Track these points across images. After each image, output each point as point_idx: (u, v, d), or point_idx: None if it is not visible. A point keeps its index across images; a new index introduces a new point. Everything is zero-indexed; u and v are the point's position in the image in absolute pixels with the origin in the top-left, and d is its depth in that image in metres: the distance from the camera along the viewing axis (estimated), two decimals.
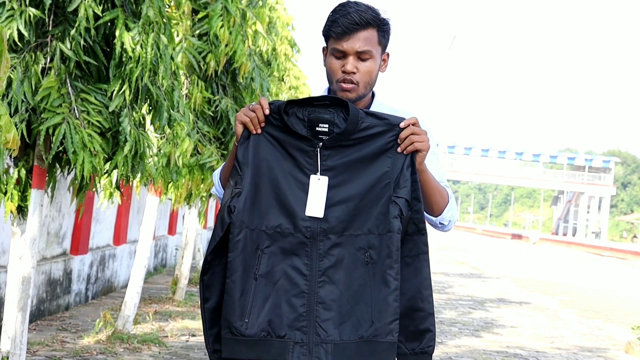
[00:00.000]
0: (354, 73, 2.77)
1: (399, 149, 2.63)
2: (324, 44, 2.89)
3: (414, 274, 2.62)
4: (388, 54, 2.90)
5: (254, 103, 2.68)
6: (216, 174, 2.90)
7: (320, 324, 2.56)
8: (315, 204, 2.59)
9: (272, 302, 2.58)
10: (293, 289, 2.58)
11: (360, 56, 2.77)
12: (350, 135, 2.60)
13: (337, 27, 2.76)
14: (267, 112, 2.63)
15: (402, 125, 2.63)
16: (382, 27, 2.81)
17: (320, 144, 2.60)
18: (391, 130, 2.63)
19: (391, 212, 2.57)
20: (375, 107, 2.91)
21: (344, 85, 2.79)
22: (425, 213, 2.78)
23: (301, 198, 2.59)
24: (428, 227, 2.74)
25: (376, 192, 2.59)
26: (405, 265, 2.62)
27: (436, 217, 2.83)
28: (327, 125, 2.61)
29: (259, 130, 2.64)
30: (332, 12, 2.82)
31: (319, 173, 2.60)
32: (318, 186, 2.59)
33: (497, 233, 76.62)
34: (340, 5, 2.83)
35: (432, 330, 2.65)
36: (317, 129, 2.61)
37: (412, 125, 2.64)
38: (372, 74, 2.80)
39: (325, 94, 2.93)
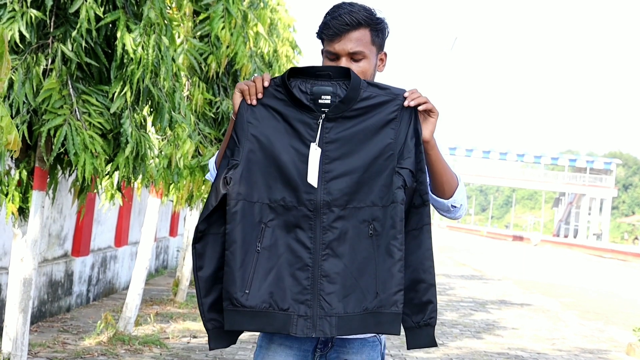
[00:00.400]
0: None
1: (412, 103, 2.61)
2: (322, 47, 2.89)
3: (417, 246, 2.62)
4: (385, 54, 2.88)
5: (256, 75, 2.67)
6: (212, 159, 2.88)
7: (325, 297, 2.55)
8: (311, 173, 2.57)
9: (275, 274, 2.56)
10: (297, 262, 2.57)
11: (353, 57, 2.75)
12: (352, 104, 2.59)
13: (329, 30, 2.76)
14: (266, 84, 2.62)
15: (406, 95, 2.62)
16: (375, 27, 2.78)
17: (323, 115, 2.59)
18: (393, 100, 2.62)
19: (395, 183, 2.56)
20: None
21: None
22: (435, 197, 2.78)
23: (304, 171, 2.57)
24: (433, 223, 2.72)
25: (379, 164, 2.58)
26: (412, 239, 2.62)
27: (447, 199, 2.79)
28: (329, 97, 2.60)
29: (254, 101, 2.62)
30: (326, 14, 2.81)
31: (316, 143, 2.58)
32: (313, 156, 2.58)
33: (502, 235, 76.44)
34: (334, 6, 2.82)
35: (433, 302, 2.64)
36: (319, 101, 2.60)
37: (414, 97, 2.64)
38: (366, 74, 2.78)
39: None
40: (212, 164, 2.88)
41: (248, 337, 8.60)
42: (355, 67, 2.76)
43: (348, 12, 2.74)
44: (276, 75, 2.71)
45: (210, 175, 2.90)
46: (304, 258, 2.57)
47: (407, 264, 2.60)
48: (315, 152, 2.57)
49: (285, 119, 2.61)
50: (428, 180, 2.72)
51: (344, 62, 2.75)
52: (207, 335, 2.67)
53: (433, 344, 2.67)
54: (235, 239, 2.56)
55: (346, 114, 2.59)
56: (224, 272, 2.59)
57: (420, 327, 2.63)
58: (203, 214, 2.62)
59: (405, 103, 2.62)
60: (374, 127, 2.60)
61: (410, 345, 2.66)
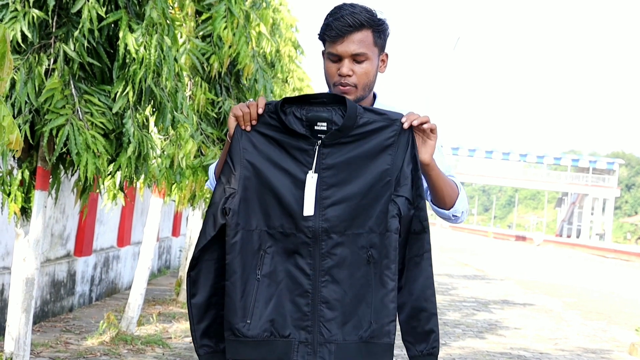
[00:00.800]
0: (349, 76, 2.74)
1: (414, 122, 2.60)
2: (323, 48, 2.88)
3: (419, 274, 2.62)
4: (387, 55, 2.87)
5: (251, 100, 2.67)
6: (212, 167, 2.88)
7: (325, 324, 2.55)
8: (308, 201, 2.56)
9: (276, 302, 2.57)
10: (297, 288, 2.57)
11: (356, 58, 2.75)
12: (349, 131, 2.58)
13: (331, 31, 2.74)
14: (260, 111, 2.60)
15: (405, 126, 2.61)
16: (377, 28, 2.78)
17: (319, 142, 2.58)
18: (391, 125, 2.61)
19: (390, 211, 2.56)
20: None
21: (341, 88, 2.77)
22: (437, 208, 2.81)
23: (302, 197, 2.57)
24: (436, 223, 2.72)
25: (377, 190, 2.57)
26: (414, 266, 2.62)
27: (449, 210, 2.81)
28: (325, 124, 2.59)
29: (248, 128, 2.61)
30: (327, 15, 2.80)
31: (312, 170, 2.57)
32: (310, 183, 2.57)
33: (510, 236, 76.23)
34: (335, 8, 2.81)
35: (435, 331, 2.64)
36: (315, 127, 2.59)
37: (413, 120, 2.63)
38: (369, 76, 2.78)
39: None
40: (211, 171, 2.88)
41: None
42: (358, 69, 2.75)
43: (350, 14, 2.73)
44: (273, 99, 2.67)
45: (210, 184, 2.90)
46: (304, 284, 2.57)
47: (409, 292, 2.61)
48: (311, 179, 2.57)
49: (281, 145, 2.60)
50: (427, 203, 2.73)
51: (346, 64, 2.74)
52: None
53: None
54: (235, 269, 2.57)
55: (343, 140, 2.58)
56: (224, 302, 2.59)
57: (424, 355, 2.64)
58: (199, 243, 2.62)
59: (405, 125, 2.61)
60: (371, 153, 2.59)
61: None
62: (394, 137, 2.60)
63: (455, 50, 44.00)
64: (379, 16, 2.79)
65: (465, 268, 23.76)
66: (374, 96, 2.93)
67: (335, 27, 2.73)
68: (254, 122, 2.62)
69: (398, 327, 2.61)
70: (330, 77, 2.80)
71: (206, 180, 7.83)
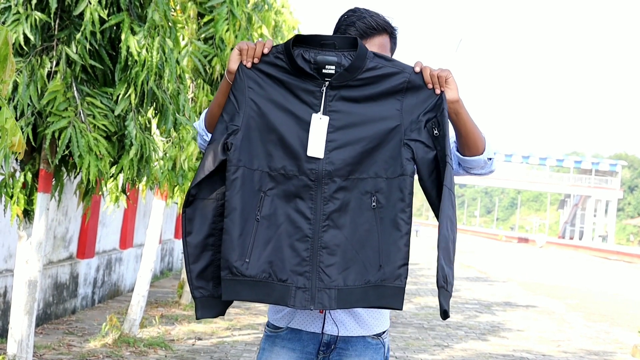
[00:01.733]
0: None
1: (437, 91, 2.57)
2: None
3: (444, 203, 2.55)
4: None
5: (260, 39, 2.63)
6: (201, 119, 2.81)
7: (324, 269, 2.51)
8: (316, 143, 2.52)
9: (274, 245, 2.51)
10: (296, 232, 2.52)
11: None
12: (357, 73, 2.54)
13: (354, 31, 2.75)
14: (266, 50, 2.56)
15: (416, 69, 2.57)
16: (393, 34, 2.82)
17: (327, 83, 2.54)
18: (400, 73, 2.57)
19: (403, 155, 2.52)
20: None
21: None
22: (468, 158, 2.74)
23: (306, 139, 2.52)
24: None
25: (384, 135, 2.54)
26: (444, 196, 2.53)
27: (481, 154, 2.74)
28: (333, 67, 2.54)
29: (249, 64, 2.56)
30: (344, 16, 2.81)
31: (321, 112, 2.53)
32: (319, 125, 2.53)
33: (520, 239, 76.02)
34: (350, 10, 2.82)
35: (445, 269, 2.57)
36: (323, 71, 2.54)
37: (422, 67, 2.60)
38: None
39: None
40: (201, 124, 2.80)
41: (253, 339, 8.61)
42: None
43: (371, 16, 2.76)
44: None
45: (200, 137, 2.82)
46: (304, 229, 2.52)
47: (440, 219, 2.53)
48: (320, 122, 2.53)
49: (287, 87, 2.56)
50: (452, 145, 2.68)
51: None
52: (194, 305, 2.61)
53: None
54: (235, 206, 2.50)
55: (350, 83, 2.54)
56: (222, 241, 2.52)
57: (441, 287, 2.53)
58: (197, 177, 2.55)
59: (417, 69, 2.57)
60: (378, 97, 2.55)
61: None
62: (404, 83, 2.56)
63: (458, 52, 44.01)
64: (392, 23, 2.83)
65: (468, 270, 23.75)
66: None
67: (360, 27, 2.75)
68: (256, 60, 2.57)
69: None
70: None
71: None
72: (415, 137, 2.54)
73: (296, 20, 13.35)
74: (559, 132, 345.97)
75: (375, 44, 2.76)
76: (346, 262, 2.52)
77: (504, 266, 27.97)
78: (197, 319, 2.61)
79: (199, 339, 8.45)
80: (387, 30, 2.78)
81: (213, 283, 2.57)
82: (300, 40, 2.57)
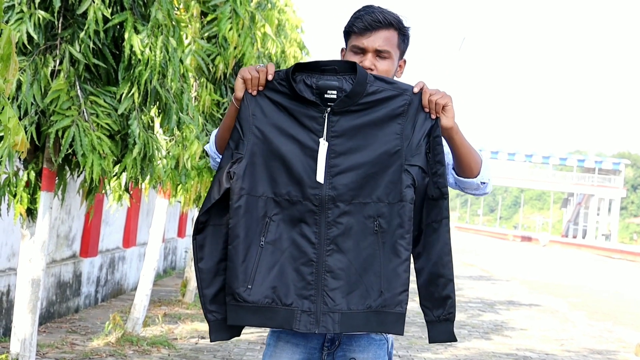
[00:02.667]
0: (371, 70, 2.78)
1: (432, 116, 2.61)
2: (343, 45, 2.91)
3: (436, 240, 2.61)
4: (405, 61, 2.93)
5: (261, 65, 2.66)
6: (214, 132, 2.86)
7: (328, 293, 2.55)
8: (318, 169, 2.56)
9: (279, 269, 2.56)
10: (301, 257, 2.57)
11: (379, 54, 2.80)
12: (358, 98, 2.58)
13: (360, 23, 2.79)
14: (269, 77, 2.61)
15: (415, 90, 2.62)
16: (402, 31, 2.85)
17: (329, 109, 2.58)
18: (401, 95, 2.60)
19: (404, 181, 2.55)
20: None
21: None
22: (462, 179, 2.79)
23: (310, 165, 2.57)
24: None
25: (386, 160, 2.57)
26: (432, 232, 2.61)
27: (475, 177, 2.79)
28: (335, 92, 2.58)
29: (255, 92, 2.61)
30: (356, 11, 2.87)
31: (323, 138, 2.57)
32: (320, 151, 2.57)
33: (523, 237, 75.84)
34: (364, 6, 2.88)
35: (452, 297, 2.64)
36: (325, 96, 2.59)
37: (422, 88, 2.64)
38: (389, 74, 2.81)
39: None
40: (212, 147, 2.85)
41: (256, 337, 8.61)
42: (380, 65, 2.79)
43: (381, 12, 2.81)
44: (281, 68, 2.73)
45: (209, 147, 2.87)
46: (309, 253, 2.56)
47: (427, 258, 2.61)
48: (323, 147, 2.56)
49: (291, 113, 2.60)
50: (449, 170, 2.73)
51: (369, 58, 2.79)
52: (209, 328, 2.66)
53: (453, 338, 2.66)
54: (238, 233, 2.55)
55: (352, 108, 2.58)
56: (226, 267, 2.58)
57: (440, 321, 2.63)
58: (204, 205, 2.61)
59: (415, 89, 2.62)
60: (380, 122, 2.59)
61: (432, 339, 2.66)
62: (404, 106, 2.60)
63: (461, 50, 44.00)
64: (405, 22, 2.86)
65: (471, 269, 23.74)
66: None
67: (366, 20, 2.79)
68: (261, 88, 2.62)
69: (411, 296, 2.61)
70: None
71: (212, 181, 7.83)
72: (415, 162, 2.57)
73: (299, 19, 13.35)
74: (562, 130, 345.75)
75: (380, 37, 2.79)
76: (350, 285, 2.56)
77: (507, 265, 27.95)
78: (211, 341, 2.66)
79: (202, 337, 8.46)
80: (394, 25, 2.82)
81: (226, 307, 2.62)
82: (301, 67, 2.61)
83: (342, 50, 2.92)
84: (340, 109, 2.58)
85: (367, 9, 2.83)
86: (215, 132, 2.85)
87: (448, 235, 2.64)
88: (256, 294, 2.55)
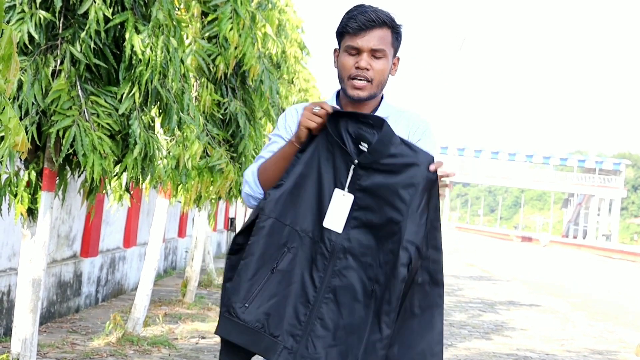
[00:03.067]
0: (367, 70, 2.79)
1: (439, 172, 2.63)
2: (336, 46, 2.92)
3: (426, 328, 2.58)
4: (398, 58, 2.94)
5: (316, 108, 2.66)
6: (253, 172, 2.84)
7: (313, 339, 2.56)
8: (336, 218, 2.59)
9: (279, 300, 2.58)
10: (302, 295, 2.59)
11: (375, 54, 2.81)
12: (381, 157, 2.59)
13: (354, 23, 2.80)
14: (330, 110, 2.66)
15: (431, 168, 2.62)
16: (395, 29, 2.86)
17: (356, 161, 2.62)
18: (418, 166, 2.60)
19: (401, 258, 2.54)
20: (382, 109, 2.92)
21: (355, 82, 2.81)
22: None
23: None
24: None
25: (391, 227, 2.58)
26: (412, 316, 2.59)
27: None
28: (366, 145, 2.62)
29: (316, 132, 2.67)
30: (348, 11, 2.88)
31: (346, 189, 2.61)
32: (342, 202, 2.60)
33: (524, 238, 75.76)
34: (356, 6, 2.89)
35: None
36: (359, 146, 2.62)
37: (439, 168, 2.65)
38: (384, 74, 2.83)
39: (334, 97, 2.95)
40: (255, 185, 2.82)
41: None
42: (375, 64, 2.81)
43: (373, 11, 2.82)
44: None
45: (250, 197, 2.84)
46: (309, 294, 2.59)
47: (409, 344, 2.57)
48: (344, 198, 2.60)
49: (332, 155, 2.65)
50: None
51: (365, 57, 2.79)
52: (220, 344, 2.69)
53: None
54: (254, 251, 2.58)
55: (375, 166, 2.60)
56: (231, 278, 2.61)
57: None
58: (242, 226, 2.66)
59: (431, 168, 2.61)
60: (395, 187, 2.60)
61: None
62: (419, 179, 2.60)
63: (462, 50, 43.99)
64: (397, 20, 2.88)
65: (471, 269, 23.74)
66: (381, 97, 2.95)
67: (359, 20, 2.80)
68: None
69: None
70: (346, 70, 2.83)
71: (211, 181, 7.82)
72: (413, 240, 2.56)
73: (300, 19, 13.36)
74: (562, 131, 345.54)
75: (375, 37, 2.80)
76: (334, 339, 2.56)
77: (508, 265, 27.95)
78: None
79: (203, 337, 8.46)
80: (387, 24, 2.83)
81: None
82: (341, 114, 2.66)
83: (335, 51, 2.92)
84: (366, 164, 2.61)
85: (360, 9, 2.83)
86: (256, 168, 2.83)
87: (441, 325, 2.60)
88: (250, 315, 2.57)
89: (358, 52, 2.80)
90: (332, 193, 2.61)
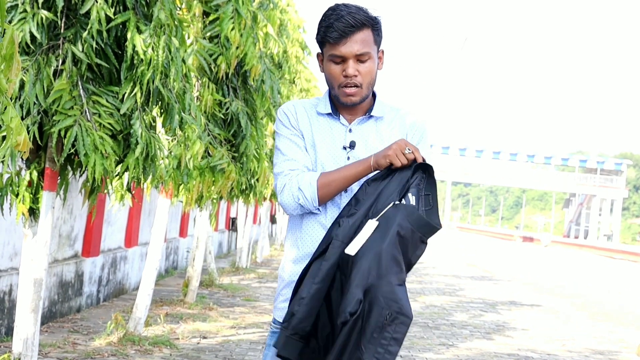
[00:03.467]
0: (355, 76, 2.78)
1: None
2: (319, 50, 2.90)
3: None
4: (382, 51, 2.92)
5: (408, 150, 2.68)
6: (312, 184, 2.82)
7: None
8: (356, 244, 2.65)
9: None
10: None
11: (360, 58, 2.79)
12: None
13: (333, 32, 2.77)
14: (420, 160, 2.74)
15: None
16: (375, 26, 2.83)
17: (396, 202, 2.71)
18: None
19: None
20: (377, 108, 2.92)
21: (347, 90, 2.80)
22: None
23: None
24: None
25: None
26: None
27: None
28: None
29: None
30: (324, 17, 2.83)
31: (376, 219, 2.67)
32: (368, 229, 2.66)
33: (525, 238, 75.70)
34: (329, 9, 2.84)
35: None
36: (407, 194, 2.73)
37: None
38: (372, 74, 2.83)
39: (327, 98, 2.93)
40: (312, 197, 2.82)
41: (258, 337, 8.61)
42: (362, 68, 2.80)
43: (348, 14, 2.77)
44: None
45: (301, 206, 2.84)
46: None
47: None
48: (370, 226, 2.66)
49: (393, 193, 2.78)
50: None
51: (351, 64, 2.78)
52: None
53: None
54: (325, 278, 2.68)
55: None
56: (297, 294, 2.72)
57: None
58: (316, 254, 2.75)
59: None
60: None
61: None
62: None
63: (463, 50, 43.94)
64: (374, 14, 2.84)
65: (473, 269, 23.73)
66: (374, 95, 2.95)
67: (338, 28, 2.76)
68: None
69: None
70: (334, 79, 2.82)
71: (213, 182, 7.81)
72: None
73: (301, 19, 13.37)
74: (564, 131, 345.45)
75: (357, 41, 2.78)
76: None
77: (509, 265, 27.93)
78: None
79: (204, 337, 8.46)
80: (366, 24, 2.80)
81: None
82: (422, 166, 2.77)
83: (319, 55, 2.90)
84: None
85: (335, 14, 2.79)
86: (315, 180, 2.82)
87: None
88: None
89: (343, 59, 2.79)
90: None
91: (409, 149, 2.67)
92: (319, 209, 2.81)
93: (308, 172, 2.83)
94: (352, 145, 2.81)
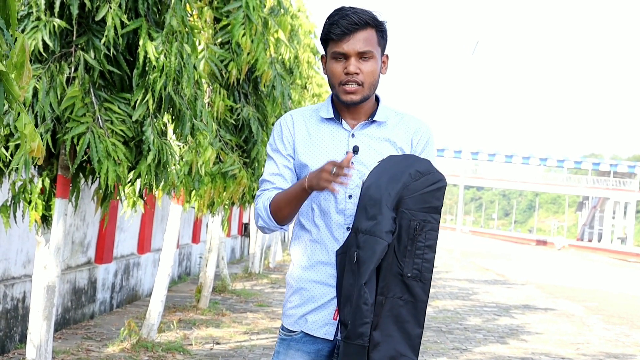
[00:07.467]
0: (357, 74, 2.77)
1: None
2: (323, 52, 2.90)
3: (407, 318, 2.69)
4: (387, 56, 2.91)
5: (334, 170, 2.66)
6: (266, 208, 2.84)
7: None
8: None
9: None
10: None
11: (362, 56, 2.78)
12: None
13: (337, 29, 2.78)
14: (347, 173, 2.72)
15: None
16: (380, 28, 2.83)
17: None
18: None
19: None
20: (380, 112, 2.90)
21: (347, 87, 2.79)
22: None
23: None
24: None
25: None
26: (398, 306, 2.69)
27: None
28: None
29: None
30: (329, 16, 2.84)
31: None
32: None
33: (538, 241, 75.34)
34: (336, 10, 2.85)
35: None
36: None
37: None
38: (374, 75, 2.81)
39: (329, 103, 2.91)
40: (269, 219, 2.84)
41: (271, 342, 8.61)
42: (364, 67, 2.79)
43: (354, 13, 2.79)
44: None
45: (264, 222, 2.86)
46: None
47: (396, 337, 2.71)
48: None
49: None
50: None
51: (353, 62, 2.77)
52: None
53: None
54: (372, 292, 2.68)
55: None
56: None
57: None
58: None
59: None
60: None
61: None
62: None
63: (474, 54, 43.88)
64: (380, 18, 2.84)
65: (486, 273, 23.67)
66: (377, 99, 2.93)
67: (342, 25, 2.77)
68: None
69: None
70: (335, 76, 2.81)
71: (225, 187, 7.82)
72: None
73: (312, 24, 13.37)
74: (577, 134, 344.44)
75: (360, 39, 2.78)
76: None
77: (523, 269, 27.85)
78: None
79: (217, 343, 8.47)
80: (371, 24, 2.80)
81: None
82: None
83: (322, 57, 2.90)
84: None
85: (340, 12, 2.80)
86: (268, 203, 2.84)
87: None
88: None
89: (345, 57, 2.78)
90: None
91: (334, 169, 2.62)
92: (284, 228, 2.85)
93: (270, 193, 2.85)
94: (355, 150, 2.78)
